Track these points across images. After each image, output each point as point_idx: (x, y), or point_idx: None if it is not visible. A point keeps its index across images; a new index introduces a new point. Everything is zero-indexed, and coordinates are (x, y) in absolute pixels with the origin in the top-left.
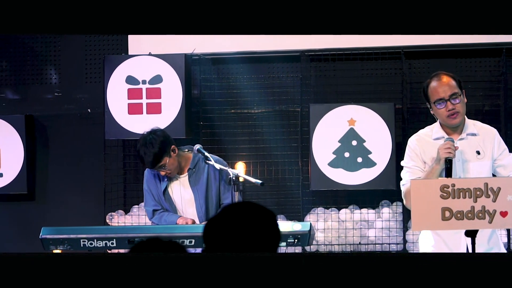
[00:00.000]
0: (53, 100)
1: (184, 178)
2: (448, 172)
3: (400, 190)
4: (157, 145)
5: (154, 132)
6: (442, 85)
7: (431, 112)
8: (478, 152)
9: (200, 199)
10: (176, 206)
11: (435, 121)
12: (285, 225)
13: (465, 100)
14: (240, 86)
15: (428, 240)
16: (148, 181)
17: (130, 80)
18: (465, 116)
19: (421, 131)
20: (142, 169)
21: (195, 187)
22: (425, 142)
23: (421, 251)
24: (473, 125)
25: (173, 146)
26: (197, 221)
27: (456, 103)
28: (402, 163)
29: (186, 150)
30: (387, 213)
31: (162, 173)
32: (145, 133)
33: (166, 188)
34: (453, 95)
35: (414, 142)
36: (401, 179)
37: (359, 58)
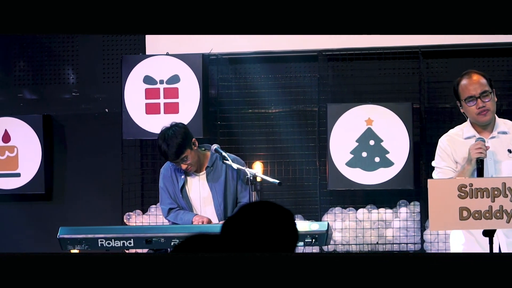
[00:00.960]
0: (70, 100)
1: (202, 176)
2: (480, 172)
3: (418, 190)
4: (180, 136)
5: (176, 125)
6: (473, 83)
7: (461, 110)
8: (509, 151)
9: (218, 197)
10: (193, 204)
11: (452, 121)
12: (302, 225)
13: (496, 98)
14: (257, 86)
15: (459, 239)
16: (164, 179)
17: (148, 80)
18: (495, 115)
19: (451, 131)
20: (159, 168)
21: (214, 185)
22: (456, 142)
23: (452, 250)
24: (503, 123)
25: (193, 139)
26: (215, 220)
27: (487, 101)
28: (433, 163)
29: (203, 148)
30: (405, 213)
31: (184, 166)
32: (165, 128)
33: (183, 186)
34: (483, 93)
35: (445, 142)
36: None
37: (377, 58)
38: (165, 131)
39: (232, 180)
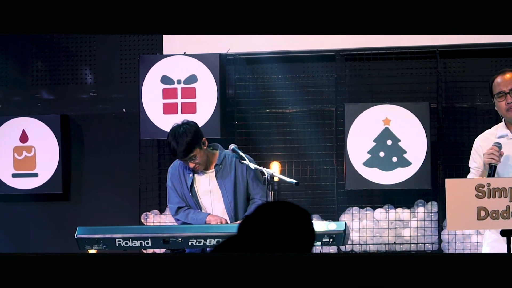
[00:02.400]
0: (88, 100)
1: (212, 174)
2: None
3: (435, 190)
4: (190, 134)
5: (187, 123)
6: (505, 80)
7: (496, 108)
8: None
9: (228, 195)
10: (203, 202)
11: (470, 120)
12: (320, 225)
13: None
14: (274, 86)
15: (487, 238)
16: (172, 178)
17: (165, 80)
18: None
19: (487, 131)
20: None
21: (223, 183)
22: (489, 141)
23: (483, 249)
24: None
25: (204, 139)
26: (226, 217)
27: None
28: (469, 164)
29: (212, 148)
30: (422, 213)
31: (191, 165)
32: (176, 125)
33: (192, 184)
34: None
35: (477, 142)
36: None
37: (394, 58)
38: (176, 128)
39: (242, 178)
